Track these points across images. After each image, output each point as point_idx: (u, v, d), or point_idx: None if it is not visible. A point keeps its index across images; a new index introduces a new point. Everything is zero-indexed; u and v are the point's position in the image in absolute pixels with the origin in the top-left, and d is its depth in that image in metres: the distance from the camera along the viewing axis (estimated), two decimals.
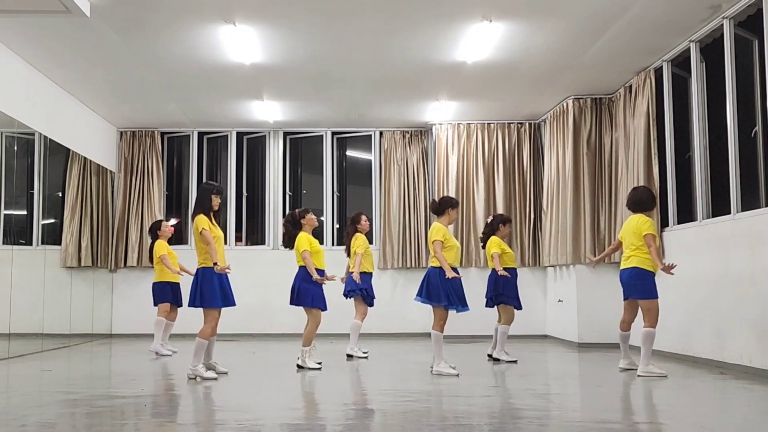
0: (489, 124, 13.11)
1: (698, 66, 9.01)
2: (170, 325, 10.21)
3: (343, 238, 12.03)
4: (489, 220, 9.36)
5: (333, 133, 13.79)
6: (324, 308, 8.27)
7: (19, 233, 10.46)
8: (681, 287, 8.76)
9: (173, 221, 13.32)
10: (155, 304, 10.14)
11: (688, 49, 9.13)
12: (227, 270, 7.35)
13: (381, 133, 13.61)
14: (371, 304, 9.65)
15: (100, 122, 12.81)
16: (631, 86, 10.48)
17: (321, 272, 8.30)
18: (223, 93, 11.47)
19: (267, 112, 12.44)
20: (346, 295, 9.53)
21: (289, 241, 8.49)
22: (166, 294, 10.09)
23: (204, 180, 13.42)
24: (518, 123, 13.13)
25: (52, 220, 11.91)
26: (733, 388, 6.90)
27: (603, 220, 11.10)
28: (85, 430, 5.14)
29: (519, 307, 8.98)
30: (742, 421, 5.49)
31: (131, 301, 12.98)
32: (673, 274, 7.55)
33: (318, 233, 13.61)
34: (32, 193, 10.88)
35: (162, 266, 10.04)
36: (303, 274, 8.29)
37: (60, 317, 11.40)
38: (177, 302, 10.16)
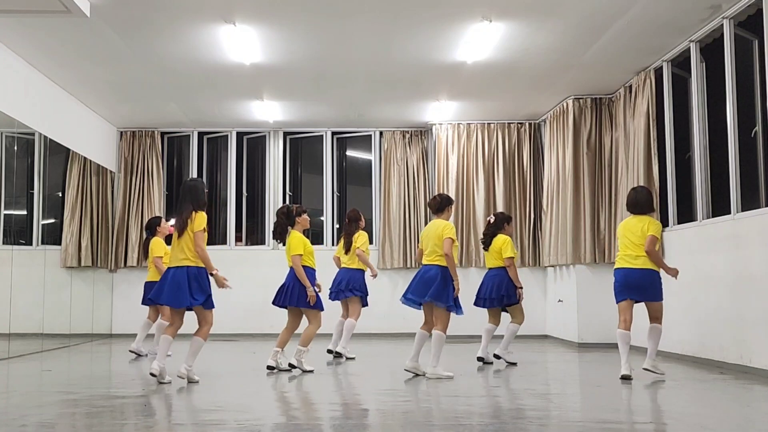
0: (489, 124, 13.11)
1: (698, 66, 9.01)
2: (149, 325, 10.13)
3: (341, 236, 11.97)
4: (491, 220, 9.10)
5: (333, 133, 13.79)
6: (322, 308, 8.20)
7: (19, 233, 10.46)
8: (680, 287, 8.75)
9: (173, 221, 13.28)
10: (143, 303, 10.09)
11: (688, 49, 9.13)
12: (226, 284, 7.21)
13: (381, 133, 13.61)
14: (366, 304, 9.64)
15: (100, 122, 12.81)
16: (631, 86, 10.48)
17: (312, 271, 8.12)
18: (223, 93, 11.47)
19: (267, 112, 12.44)
20: (346, 295, 9.49)
21: (280, 235, 8.21)
22: None
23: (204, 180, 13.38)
24: (518, 123, 13.13)
25: (52, 220, 11.92)
26: (733, 388, 6.90)
27: (603, 220, 11.10)
28: (85, 430, 5.14)
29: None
30: (743, 421, 5.49)
31: (131, 301, 12.92)
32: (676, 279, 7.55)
33: (318, 233, 13.66)
34: (32, 193, 10.88)
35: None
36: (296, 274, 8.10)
37: (60, 317, 11.40)
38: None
